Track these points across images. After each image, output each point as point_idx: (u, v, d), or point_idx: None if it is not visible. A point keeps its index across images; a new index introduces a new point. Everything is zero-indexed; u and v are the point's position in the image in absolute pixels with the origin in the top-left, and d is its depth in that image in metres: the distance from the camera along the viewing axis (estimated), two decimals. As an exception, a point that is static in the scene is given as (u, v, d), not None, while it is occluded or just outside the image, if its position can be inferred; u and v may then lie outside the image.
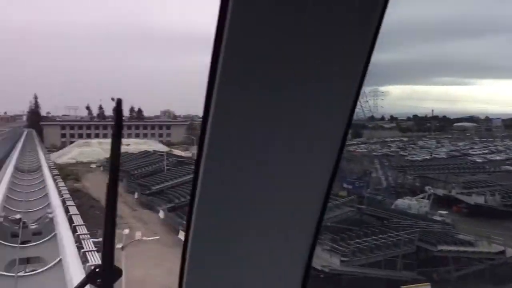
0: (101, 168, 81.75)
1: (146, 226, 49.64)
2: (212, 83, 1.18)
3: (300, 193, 1.38)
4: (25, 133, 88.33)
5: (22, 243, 12.36)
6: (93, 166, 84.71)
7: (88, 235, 10.15)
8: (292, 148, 1.30)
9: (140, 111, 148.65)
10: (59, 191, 16.80)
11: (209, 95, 1.20)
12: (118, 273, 1.46)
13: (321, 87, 1.23)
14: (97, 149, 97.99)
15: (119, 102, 1.41)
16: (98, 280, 1.42)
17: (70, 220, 12.32)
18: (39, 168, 27.99)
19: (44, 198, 16.89)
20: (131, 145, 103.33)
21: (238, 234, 1.42)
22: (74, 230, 10.86)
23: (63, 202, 14.65)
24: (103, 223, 1.44)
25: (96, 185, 67.69)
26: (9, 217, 13.51)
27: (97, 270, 1.43)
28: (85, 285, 1.53)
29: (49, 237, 11.48)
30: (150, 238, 28.46)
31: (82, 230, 10.87)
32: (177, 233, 45.88)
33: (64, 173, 67.69)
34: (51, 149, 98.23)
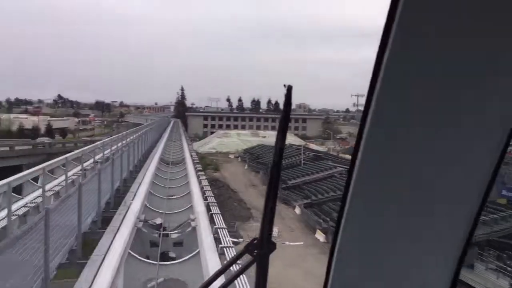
0: (239, 159, 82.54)
1: (282, 221, 47.86)
2: (375, 81, 1.15)
3: (453, 198, 1.31)
4: (171, 122, 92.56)
5: (162, 254, 10.50)
6: (231, 156, 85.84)
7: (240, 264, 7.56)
8: (449, 149, 1.24)
9: (277, 103, 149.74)
10: (203, 193, 14.78)
11: (371, 92, 1.17)
12: (273, 246, 1.47)
13: (490, 81, 1.14)
14: (235, 140, 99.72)
15: (289, 89, 1.34)
16: (255, 252, 1.44)
17: (215, 234, 9.98)
18: (182, 161, 26.99)
19: (186, 198, 15.12)
20: (268, 137, 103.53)
21: (386, 242, 1.38)
22: (221, 252, 8.49)
23: (208, 208, 12.52)
24: (265, 195, 1.42)
25: (233, 176, 68.21)
26: (150, 221, 11.83)
27: (254, 241, 1.44)
28: (242, 255, 1.52)
29: (192, 254, 9.33)
30: (294, 243, 25.99)
31: (232, 253, 8.38)
32: (314, 231, 43.65)
33: (205, 162, 69.56)
34: (194, 138, 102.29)
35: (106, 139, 32.29)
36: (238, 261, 1.61)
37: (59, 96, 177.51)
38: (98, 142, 30.96)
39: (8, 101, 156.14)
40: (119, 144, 28.46)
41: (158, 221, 11.78)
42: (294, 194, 54.54)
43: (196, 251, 9.29)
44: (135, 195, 13.73)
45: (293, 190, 56.63)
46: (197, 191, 15.12)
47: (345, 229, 1.36)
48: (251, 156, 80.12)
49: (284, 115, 1.39)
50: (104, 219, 12.90)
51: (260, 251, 1.47)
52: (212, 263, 8.13)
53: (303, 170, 62.39)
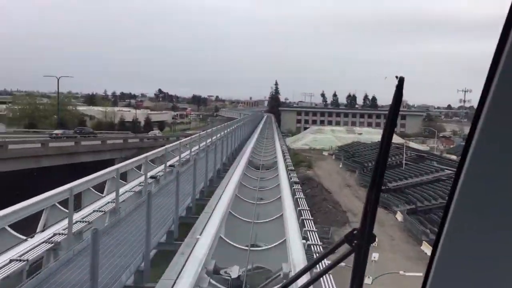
0: (333, 157, 77.61)
1: (382, 228, 42.51)
2: (492, 77, 1.06)
3: None
4: (264, 117, 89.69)
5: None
6: (325, 154, 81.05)
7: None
8: None
9: (374, 99, 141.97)
10: (301, 223, 10.38)
11: (486, 89, 1.07)
12: (373, 238, 1.41)
13: None
14: (330, 136, 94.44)
15: (401, 80, 1.24)
16: (354, 242, 1.40)
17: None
18: (274, 165, 22.84)
19: (277, 225, 10.96)
20: (364, 134, 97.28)
21: (495, 257, 1.22)
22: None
23: (306, 251, 8.05)
24: (369, 186, 1.37)
25: (327, 174, 63.49)
26: (222, 272, 7.78)
27: (354, 232, 1.40)
28: (341, 245, 1.48)
29: None
30: (410, 274, 20.87)
31: None
32: (419, 243, 38.00)
33: (298, 159, 65.93)
34: (287, 134, 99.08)
35: (185, 139, 29.45)
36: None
37: (160, 91, 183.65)
38: (174, 143, 28.42)
39: (114, 94, 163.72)
40: (202, 145, 25.22)
41: (234, 272, 7.66)
42: (395, 198, 48.80)
43: None
44: (207, 221, 9.81)
45: (394, 193, 50.80)
46: (292, 216, 10.86)
47: (447, 237, 1.22)
48: (346, 153, 74.82)
49: (394, 109, 1.27)
50: (164, 255, 9.34)
51: (360, 241, 1.38)
52: None
53: (405, 172, 56.04)
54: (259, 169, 22.68)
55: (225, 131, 33.17)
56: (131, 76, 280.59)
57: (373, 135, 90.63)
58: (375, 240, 1.38)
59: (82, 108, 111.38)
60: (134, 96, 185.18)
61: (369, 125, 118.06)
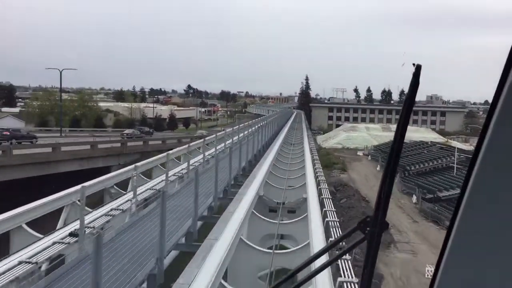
0: (369, 157, 68.60)
1: (435, 250, 33.27)
2: (507, 71, 1.02)
3: None
4: (294, 114, 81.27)
5: None
6: (360, 154, 72.20)
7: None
8: None
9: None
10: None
11: (501, 84, 1.03)
12: (385, 225, 1.41)
13: None
14: (364, 134, 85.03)
15: (418, 68, 1.18)
16: (367, 229, 1.40)
17: None
18: (302, 204, 13.87)
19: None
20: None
21: (506, 249, 1.19)
22: None
23: None
24: (382, 174, 1.35)
25: (364, 179, 54.78)
26: None
27: (367, 219, 1.40)
28: (354, 232, 1.48)
29: None
30: None
31: None
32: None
33: (330, 160, 58.01)
34: (318, 131, 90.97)
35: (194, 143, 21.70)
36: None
37: (189, 86, 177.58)
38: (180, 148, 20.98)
39: (142, 90, 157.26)
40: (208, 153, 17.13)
41: None
42: (447, 211, 39.49)
43: None
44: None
45: (446, 204, 41.55)
46: None
47: (459, 229, 1.19)
48: (383, 154, 65.35)
49: (409, 98, 1.23)
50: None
51: (372, 229, 1.39)
52: None
53: (457, 178, 46.44)
54: (276, 213, 14.05)
55: (242, 134, 25.01)
56: (165, 72, 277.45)
57: (411, 133, 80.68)
58: (387, 228, 1.33)
59: (108, 104, 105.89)
60: (164, 92, 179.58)
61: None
